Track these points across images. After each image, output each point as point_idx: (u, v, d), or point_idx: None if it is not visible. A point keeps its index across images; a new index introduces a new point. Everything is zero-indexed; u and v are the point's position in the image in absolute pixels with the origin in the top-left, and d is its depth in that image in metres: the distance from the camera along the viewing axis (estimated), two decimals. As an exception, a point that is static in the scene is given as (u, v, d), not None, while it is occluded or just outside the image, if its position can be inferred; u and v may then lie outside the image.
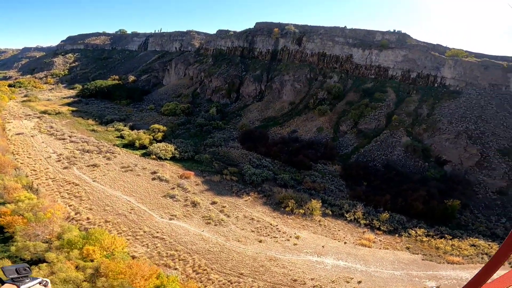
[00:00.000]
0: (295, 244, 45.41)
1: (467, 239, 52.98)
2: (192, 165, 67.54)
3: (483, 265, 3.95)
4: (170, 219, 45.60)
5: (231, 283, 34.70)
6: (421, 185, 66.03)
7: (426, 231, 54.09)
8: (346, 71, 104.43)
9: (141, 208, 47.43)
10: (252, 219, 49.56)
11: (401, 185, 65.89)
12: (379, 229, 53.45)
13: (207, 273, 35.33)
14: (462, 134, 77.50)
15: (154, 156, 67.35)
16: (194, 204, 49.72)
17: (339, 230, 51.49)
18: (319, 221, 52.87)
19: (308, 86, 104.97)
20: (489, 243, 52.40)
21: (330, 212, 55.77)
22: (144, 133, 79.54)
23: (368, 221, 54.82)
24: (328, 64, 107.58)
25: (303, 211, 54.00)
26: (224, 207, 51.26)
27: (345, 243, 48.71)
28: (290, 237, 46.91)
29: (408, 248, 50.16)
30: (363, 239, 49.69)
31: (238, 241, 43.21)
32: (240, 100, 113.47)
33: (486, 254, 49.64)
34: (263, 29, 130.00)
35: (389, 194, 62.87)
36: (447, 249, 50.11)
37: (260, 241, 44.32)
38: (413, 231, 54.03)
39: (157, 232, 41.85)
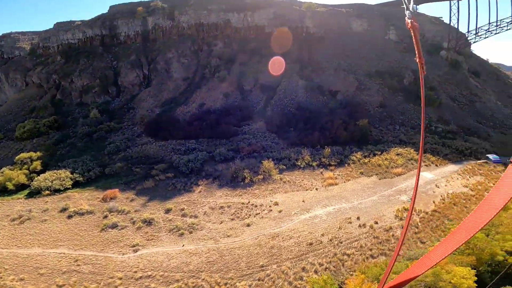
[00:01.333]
0: (280, 211, 40.78)
1: (390, 150, 61.25)
2: (107, 182, 50.63)
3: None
4: (135, 250, 32.26)
5: (263, 280, 27.57)
6: (332, 116, 71.98)
7: (361, 153, 59.42)
8: (228, 36, 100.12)
9: (85, 254, 31.47)
10: (222, 207, 41.37)
11: (318, 120, 70.02)
12: (330, 165, 54.92)
13: (231, 285, 26.64)
14: (338, 69, 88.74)
15: (48, 192, 46.62)
16: (148, 222, 36.99)
17: (302, 180, 49.78)
18: (281, 179, 49.60)
19: (196, 58, 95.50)
20: (405, 149, 62.04)
21: (284, 167, 53.26)
22: (10, 170, 53.95)
23: (318, 162, 55.42)
24: (208, 33, 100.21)
25: (262, 176, 49.35)
26: (182, 209, 40.58)
27: (316, 189, 47.51)
28: (269, 206, 41.84)
29: (362, 173, 53.75)
30: (327, 180, 49.75)
31: (228, 236, 35.01)
32: (124, 92, 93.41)
33: (412, 159, 58.71)
34: (123, 11, 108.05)
35: (315, 131, 65.80)
36: (386, 164, 56.45)
37: (248, 225, 37.45)
38: (353, 157, 58.34)
39: (136, 272, 28.79)
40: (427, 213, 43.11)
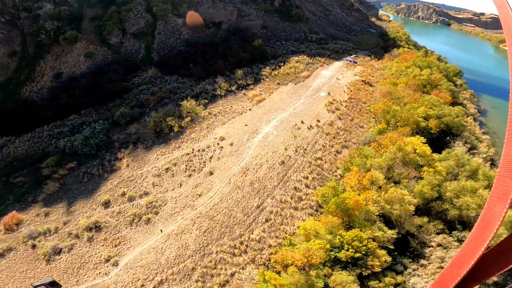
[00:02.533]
0: (231, 144, 35.11)
1: (289, 60, 62.22)
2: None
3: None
4: (115, 264, 20.71)
5: (271, 220, 23.61)
6: (227, 44, 65.84)
7: (269, 68, 57.73)
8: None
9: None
10: (168, 169, 31.46)
11: (216, 50, 63.10)
12: (248, 85, 51.04)
13: (246, 241, 21.30)
14: (215, 0, 79.29)
15: None
16: (96, 227, 24.02)
17: (231, 106, 43.95)
18: (210, 113, 41.88)
19: (16, 29, 62.58)
20: (299, 56, 64.56)
21: (205, 101, 45.12)
22: None
23: (236, 85, 49.93)
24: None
25: (189, 118, 40.30)
26: (124, 194, 28.42)
27: (250, 109, 43.29)
28: (218, 144, 35.31)
29: (278, 83, 52.69)
30: (254, 98, 46.15)
31: (199, 195, 27.53)
32: None
33: (308, 63, 62.18)
34: None
35: (218, 60, 59.05)
36: (293, 71, 58.27)
37: (211, 173, 30.58)
38: (263, 72, 55.90)
39: (143, 286, 18.80)
40: (346, 101, 47.28)
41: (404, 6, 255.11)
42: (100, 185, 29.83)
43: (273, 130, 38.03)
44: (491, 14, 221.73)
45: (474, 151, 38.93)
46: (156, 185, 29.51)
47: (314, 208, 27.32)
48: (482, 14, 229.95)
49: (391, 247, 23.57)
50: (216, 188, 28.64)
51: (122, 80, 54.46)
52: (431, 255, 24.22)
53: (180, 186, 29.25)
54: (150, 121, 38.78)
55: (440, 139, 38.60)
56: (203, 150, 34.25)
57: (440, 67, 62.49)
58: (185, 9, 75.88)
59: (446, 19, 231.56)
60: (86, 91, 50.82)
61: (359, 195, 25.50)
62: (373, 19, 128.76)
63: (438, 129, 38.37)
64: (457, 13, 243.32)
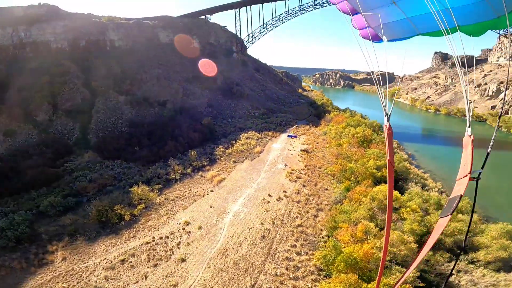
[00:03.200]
0: (199, 228, 30.30)
1: (240, 137, 63.98)
2: None
3: None
4: None
5: (282, 284, 18.06)
6: (175, 123, 65.48)
7: (222, 147, 57.66)
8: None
9: None
10: (123, 260, 24.21)
11: (165, 131, 61.38)
12: (204, 166, 48.61)
13: None
14: (160, 78, 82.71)
15: None
16: None
17: (190, 189, 40.30)
18: (166, 198, 37.17)
19: None
20: (249, 132, 68.21)
21: (159, 186, 40.46)
22: None
23: (191, 168, 47.11)
24: None
25: (142, 205, 34.57)
26: None
27: (211, 191, 40.11)
28: (183, 229, 30.02)
29: (234, 161, 52.05)
30: (213, 178, 43.55)
31: (176, 284, 20.92)
32: None
33: (258, 138, 64.39)
34: None
35: (168, 140, 56.99)
36: (245, 148, 59.37)
37: (183, 259, 24.41)
38: (217, 152, 55.27)
39: None
40: (303, 169, 48.18)
41: (318, 75, 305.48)
42: (26, 279, 21.30)
43: (242, 208, 34.85)
44: (379, 71, 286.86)
45: (426, 187, 42.20)
46: (112, 279, 22.12)
47: (316, 273, 23.33)
48: (373, 72, 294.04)
49: (422, 284, 21.83)
50: (195, 275, 22.66)
51: (51, 165, 46.32)
52: (459, 281, 22.42)
53: (146, 278, 22.37)
54: (91, 211, 31.78)
55: (395, 185, 40.96)
56: (167, 237, 28.39)
57: (367, 124, 71.76)
58: (128, 86, 75.00)
59: (350, 82, 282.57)
60: (1, 176, 41.10)
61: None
62: (299, 90, 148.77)
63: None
64: (356, 75, 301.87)
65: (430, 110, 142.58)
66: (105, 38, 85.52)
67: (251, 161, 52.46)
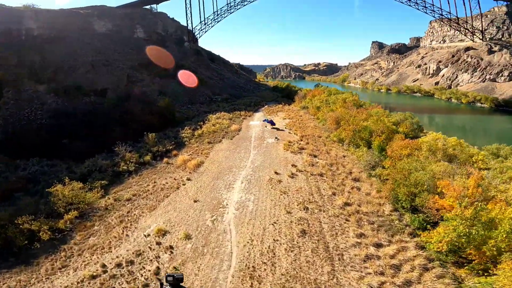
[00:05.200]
0: (187, 237, 16.83)
1: (208, 119, 50.28)
2: None
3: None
4: None
5: None
6: (123, 110, 48.71)
7: (188, 128, 43.19)
8: None
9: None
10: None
11: (107, 117, 44.83)
12: (169, 151, 34.58)
13: None
14: (97, 65, 65.67)
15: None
16: None
17: (155, 183, 25.99)
18: (117, 199, 22.45)
19: None
20: (217, 114, 57.91)
21: (106, 182, 25.08)
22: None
23: (151, 155, 32.40)
24: None
25: (76, 213, 19.61)
26: None
27: (188, 179, 26.64)
28: (157, 244, 16.21)
29: (209, 142, 38.52)
30: (186, 164, 29.88)
31: None
32: None
33: (230, 118, 52.00)
34: None
35: (114, 128, 40.65)
36: (218, 127, 46.45)
37: None
38: (184, 134, 41.09)
39: None
40: (301, 140, 37.06)
41: (269, 70, 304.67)
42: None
43: (246, 195, 22.14)
44: (324, 62, 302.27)
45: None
46: None
47: (430, 266, 12.26)
48: (319, 64, 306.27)
49: None
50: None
51: None
52: None
53: None
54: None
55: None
56: (131, 262, 14.27)
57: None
58: (51, 75, 56.55)
59: (301, 74, 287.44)
60: None
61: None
62: (256, 80, 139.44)
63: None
64: (304, 67, 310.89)
65: (381, 90, 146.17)
66: (20, 27, 67.54)
67: (231, 139, 39.60)
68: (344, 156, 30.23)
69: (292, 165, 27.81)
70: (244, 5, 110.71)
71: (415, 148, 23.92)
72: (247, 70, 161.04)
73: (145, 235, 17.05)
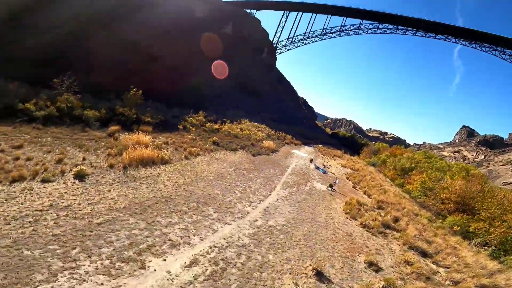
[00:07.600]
0: None
1: (241, 121, 34.30)
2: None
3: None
4: None
5: None
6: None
7: (204, 115, 27.48)
8: None
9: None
10: None
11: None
12: (145, 123, 18.48)
13: None
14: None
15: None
16: None
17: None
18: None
19: None
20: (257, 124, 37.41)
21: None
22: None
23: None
24: None
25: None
26: None
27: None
28: None
29: (215, 142, 21.89)
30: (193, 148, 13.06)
31: None
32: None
33: (269, 135, 34.25)
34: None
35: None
36: (247, 134, 29.50)
37: None
38: (192, 119, 25.18)
39: None
40: (378, 205, 18.05)
41: (330, 121, 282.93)
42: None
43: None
44: (391, 134, 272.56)
45: None
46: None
47: None
48: (386, 133, 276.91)
49: None
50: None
51: None
52: None
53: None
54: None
55: None
56: None
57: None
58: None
59: (361, 136, 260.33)
60: None
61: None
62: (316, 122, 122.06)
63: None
64: (369, 131, 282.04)
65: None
66: None
67: (252, 156, 22.46)
68: (491, 274, 10.32)
69: (369, 263, 9.26)
70: (340, 36, 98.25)
71: None
72: (310, 110, 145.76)
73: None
